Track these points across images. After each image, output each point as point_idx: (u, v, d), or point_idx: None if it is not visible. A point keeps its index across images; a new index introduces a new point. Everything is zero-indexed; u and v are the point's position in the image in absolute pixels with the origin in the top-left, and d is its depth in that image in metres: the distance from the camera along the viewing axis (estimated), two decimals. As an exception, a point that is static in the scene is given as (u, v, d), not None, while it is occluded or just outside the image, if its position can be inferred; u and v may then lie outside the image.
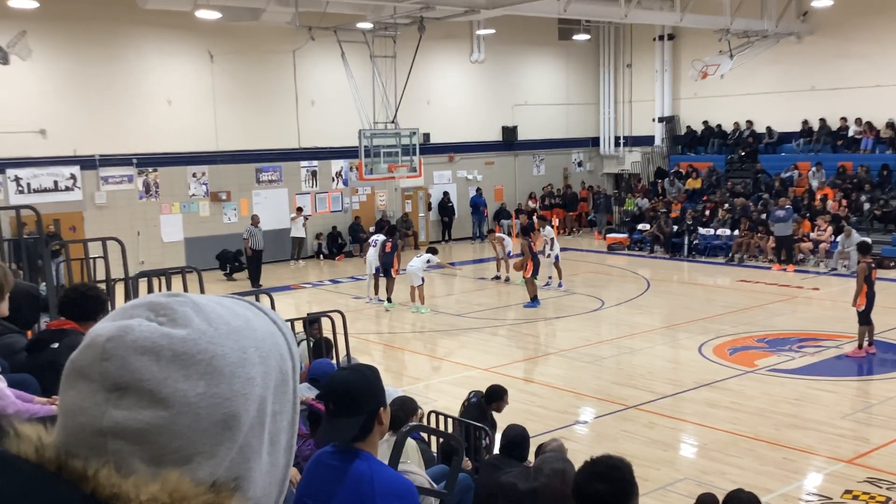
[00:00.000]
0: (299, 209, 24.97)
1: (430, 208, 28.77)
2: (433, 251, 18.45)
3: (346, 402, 3.11)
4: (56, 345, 4.35)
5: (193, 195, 24.09)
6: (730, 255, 23.61)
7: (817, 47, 26.54)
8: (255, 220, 22.04)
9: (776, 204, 22.89)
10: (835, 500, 8.28)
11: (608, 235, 27.42)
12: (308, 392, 6.60)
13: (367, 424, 3.11)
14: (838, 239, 21.52)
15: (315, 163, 26.19)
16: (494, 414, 8.21)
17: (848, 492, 8.42)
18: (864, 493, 8.39)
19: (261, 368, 0.90)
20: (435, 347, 15.30)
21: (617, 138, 32.48)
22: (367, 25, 22.91)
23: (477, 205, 29.12)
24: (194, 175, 24.03)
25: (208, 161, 24.09)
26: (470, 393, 8.58)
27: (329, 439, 3.24)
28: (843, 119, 26.21)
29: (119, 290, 8.47)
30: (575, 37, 30.12)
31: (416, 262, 17.69)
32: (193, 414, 0.84)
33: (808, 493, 8.60)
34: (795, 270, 21.53)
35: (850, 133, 26.06)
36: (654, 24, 28.59)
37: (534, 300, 17.89)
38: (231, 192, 24.54)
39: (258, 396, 0.89)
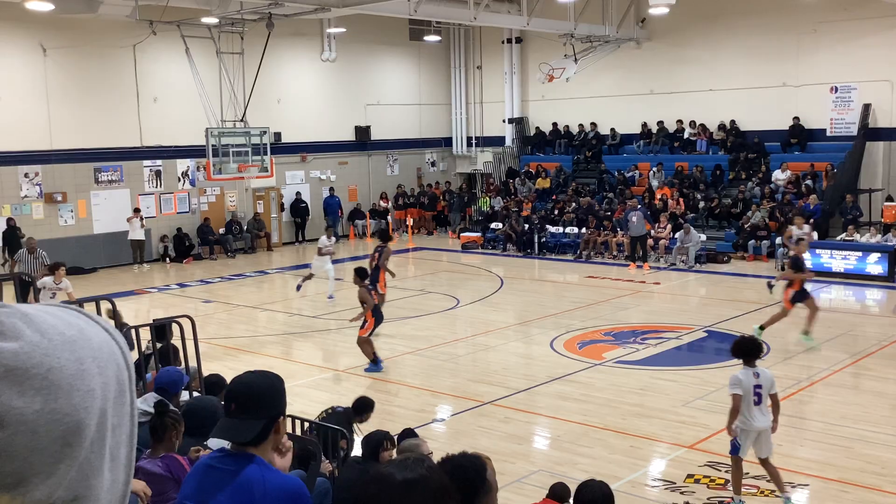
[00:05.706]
0: (136, 210, 23.92)
1: (282, 209, 28.26)
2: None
3: (249, 403, 3.10)
4: None
5: (26, 196, 22.63)
6: (578, 252, 24.43)
7: (655, 53, 27.85)
8: (30, 245, 16.52)
9: (627, 206, 22.97)
10: (678, 483, 8.68)
11: (462, 234, 27.81)
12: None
13: (266, 429, 3.11)
14: (677, 236, 22.66)
15: (159, 162, 25.16)
16: (360, 426, 8.15)
17: (690, 476, 8.85)
18: (706, 476, 8.84)
19: (99, 380, 0.83)
20: (290, 350, 15.01)
21: (469, 138, 33.00)
22: (213, 20, 22.19)
23: (330, 205, 28.86)
24: (26, 175, 22.58)
25: (41, 160, 22.69)
26: (336, 406, 8.50)
27: (225, 438, 3.21)
28: (680, 122, 27.67)
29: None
30: (426, 38, 30.36)
31: None
32: (31, 433, 0.77)
33: (653, 479, 8.98)
34: (638, 266, 21.86)
35: (686, 135, 27.53)
36: (502, 27, 29.20)
37: (375, 362, 13.13)
38: (67, 194, 23.21)
39: (98, 409, 0.83)
